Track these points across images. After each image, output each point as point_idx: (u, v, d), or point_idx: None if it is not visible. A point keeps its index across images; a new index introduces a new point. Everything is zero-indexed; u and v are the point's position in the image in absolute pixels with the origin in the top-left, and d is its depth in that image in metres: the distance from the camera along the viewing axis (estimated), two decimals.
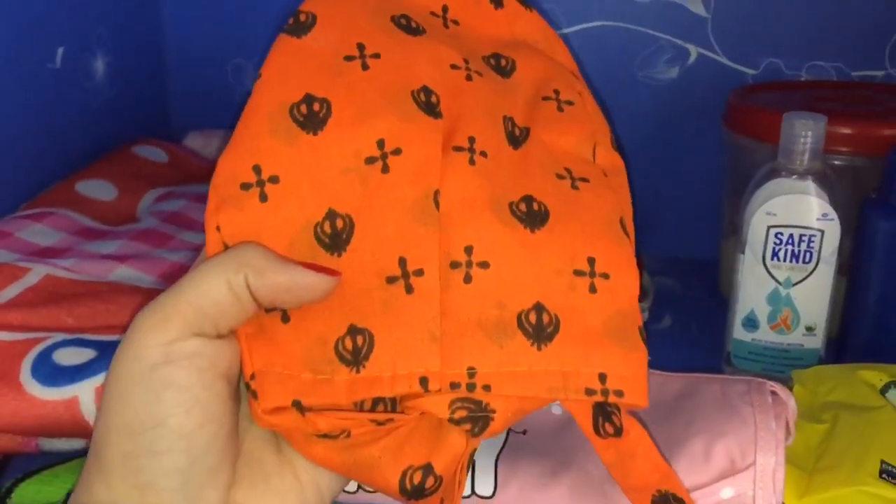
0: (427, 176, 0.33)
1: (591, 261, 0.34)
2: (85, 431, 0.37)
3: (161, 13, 0.73)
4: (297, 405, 0.29)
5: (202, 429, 0.28)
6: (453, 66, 0.36)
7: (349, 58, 0.34)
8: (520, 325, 0.32)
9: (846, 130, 0.55)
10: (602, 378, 0.32)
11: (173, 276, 0.48)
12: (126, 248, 0.50)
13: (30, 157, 0.57)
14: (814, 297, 0.50)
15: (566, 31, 0.68)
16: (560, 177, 0.36)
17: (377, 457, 0.31)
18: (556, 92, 0.38)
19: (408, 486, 0.31)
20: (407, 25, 0.36)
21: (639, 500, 0.32)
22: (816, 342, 0.52)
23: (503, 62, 0.38)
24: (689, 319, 0.63)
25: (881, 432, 0.41)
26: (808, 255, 0.50)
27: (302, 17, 0.35)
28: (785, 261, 0.50)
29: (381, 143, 0.33)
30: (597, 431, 0.32)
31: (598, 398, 0.32)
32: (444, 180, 0.33)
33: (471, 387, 0.31)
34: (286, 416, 0.30)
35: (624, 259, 0.34)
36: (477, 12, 0.39)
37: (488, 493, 0.39)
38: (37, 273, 0.45)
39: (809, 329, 0.51)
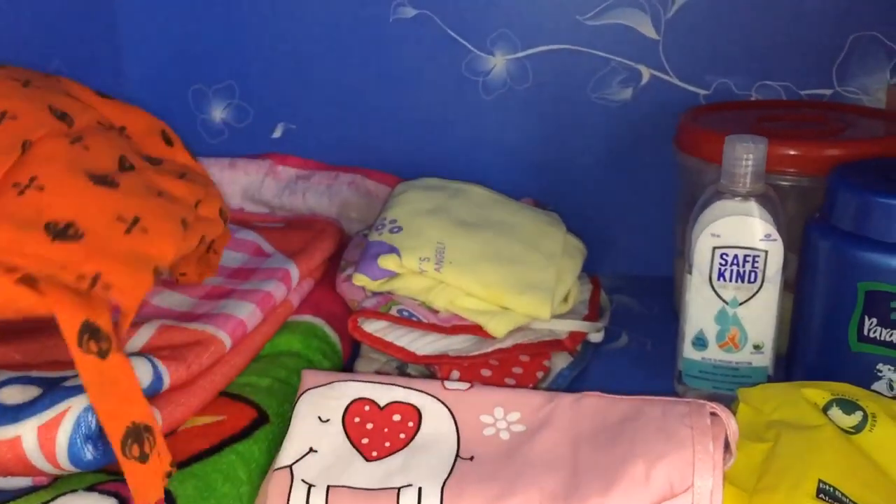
0: None
1: (136, 220, 0.41)
2: (29, 470, 0.38)
3: (120, 41, 0.73)
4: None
5: None
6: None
7: None
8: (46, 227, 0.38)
9: (792, 152, 0.56)
10: (97, 276, 0.37)
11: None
12: None
13: None
14: (760, 315, 0.51)
15: (521, 54, 0.69)
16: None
17: None
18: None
19: None
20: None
21: (113, 428, 0.35)
22: (764, 360, 0.52)
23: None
24: (645, 337, 0.64)
25: (820, 451, 0.41)
26: (752, 274, 0.50)
27: None
28: (731, 281, 0.51)
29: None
30: (80, 344, 0.35)
31: (85, 284, 0.36)
32: None
33: None
34: None
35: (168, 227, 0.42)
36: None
37: None
38: None
39: (757, 347, 0.52)
